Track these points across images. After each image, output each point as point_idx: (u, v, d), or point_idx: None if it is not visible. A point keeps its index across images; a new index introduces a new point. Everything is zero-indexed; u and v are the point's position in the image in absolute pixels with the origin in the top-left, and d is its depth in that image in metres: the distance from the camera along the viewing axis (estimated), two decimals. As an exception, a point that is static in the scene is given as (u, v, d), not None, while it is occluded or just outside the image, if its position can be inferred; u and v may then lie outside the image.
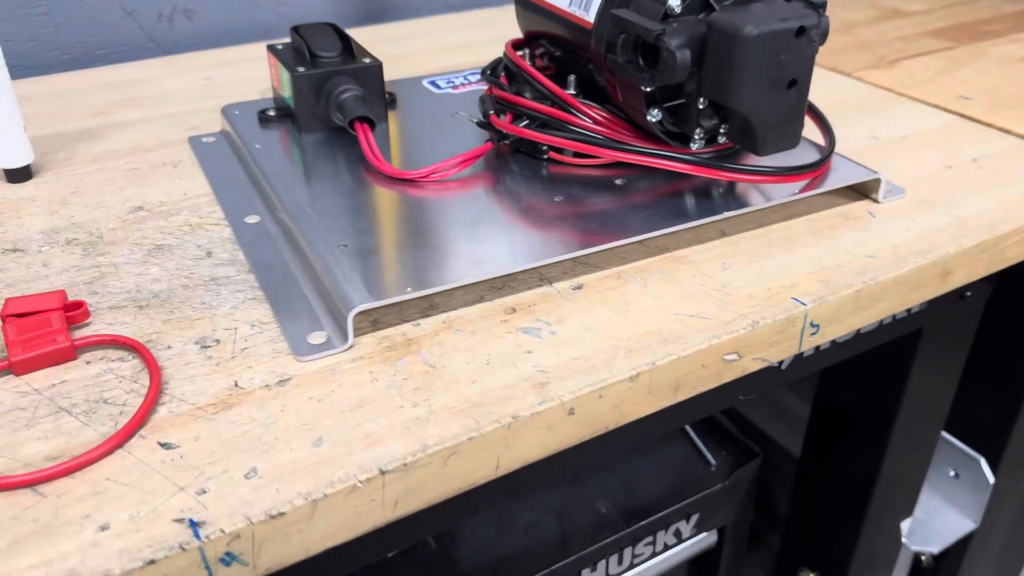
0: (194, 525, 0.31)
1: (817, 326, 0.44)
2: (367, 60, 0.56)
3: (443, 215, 0.47)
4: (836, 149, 0.57)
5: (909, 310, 0.55)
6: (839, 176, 0.51)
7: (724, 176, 0.47)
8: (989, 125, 0.65)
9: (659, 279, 0.45)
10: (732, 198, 0.49)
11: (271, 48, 0.58)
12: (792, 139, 0.46)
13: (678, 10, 0.44)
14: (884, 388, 0.63)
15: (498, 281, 0.44)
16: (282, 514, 0.31)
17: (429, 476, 0.34)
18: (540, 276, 0.45)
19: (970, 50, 0.81)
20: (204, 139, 0.59)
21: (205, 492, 0.32)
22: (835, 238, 0.48)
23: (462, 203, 0.49)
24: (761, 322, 0.41)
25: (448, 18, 0.92)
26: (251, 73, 0.73)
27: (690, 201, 0.49)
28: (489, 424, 0.35)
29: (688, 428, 0.74)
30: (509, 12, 0.92)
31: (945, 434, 0.79)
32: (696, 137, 0.47)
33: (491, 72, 0.55)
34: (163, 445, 0.34)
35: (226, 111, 0.60)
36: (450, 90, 0.63)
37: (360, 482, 0.33)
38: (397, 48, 0.81)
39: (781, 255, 0.47)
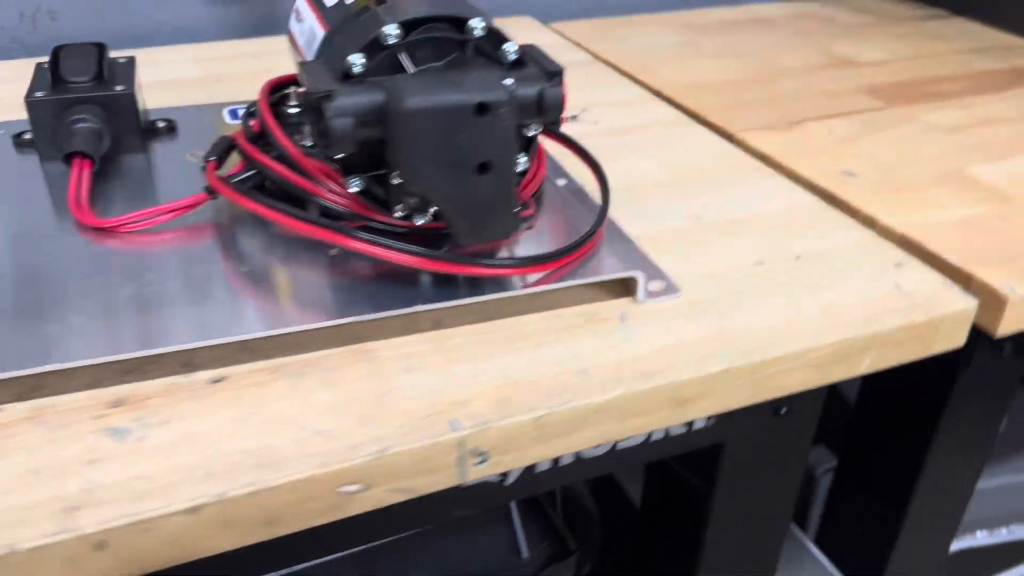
0: None
1: (485, 454, 0.37)
2: (119, 88, 0.51)
3: (114, 276, 0.42)
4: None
5: (690, 425, 0.47)
6: (590, 269, 0.43)
7: (429, 266, 0.40)
8: (854, 211, 0.56)
9: (320, 378, 0.38)
10: (459, 285, 0.42)
11: (39, 66, 0.54)
12: (499, 229, 0.39)
13: (358, 70, 0.37)
14: (692, 499, 0.55)
15: (132, 363, 0.38)
16: None
17: None
18: (185, 361, 0.39)
19: (899, 114, 0.72)
20: (-32, 157, 0.55)
21: None
22: (559, 345, 0.41)
23: (150, 263, 0.43)
24: (394, 449, 0.35)
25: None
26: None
27: (407, 284, 0.42)
28: (-30, 556, 0.29)
29: (513, 509, 0.67)
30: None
31: (817, 553, 0.70)
32: (398, 214, 0.41)
33: (249, 111, 0.50)
34: None
35: (-7, 129, 0.56)
36: (247, 123, 0.58)
37: None
38: (263, 64, 0.76)
39: (481, 360, 0.40)
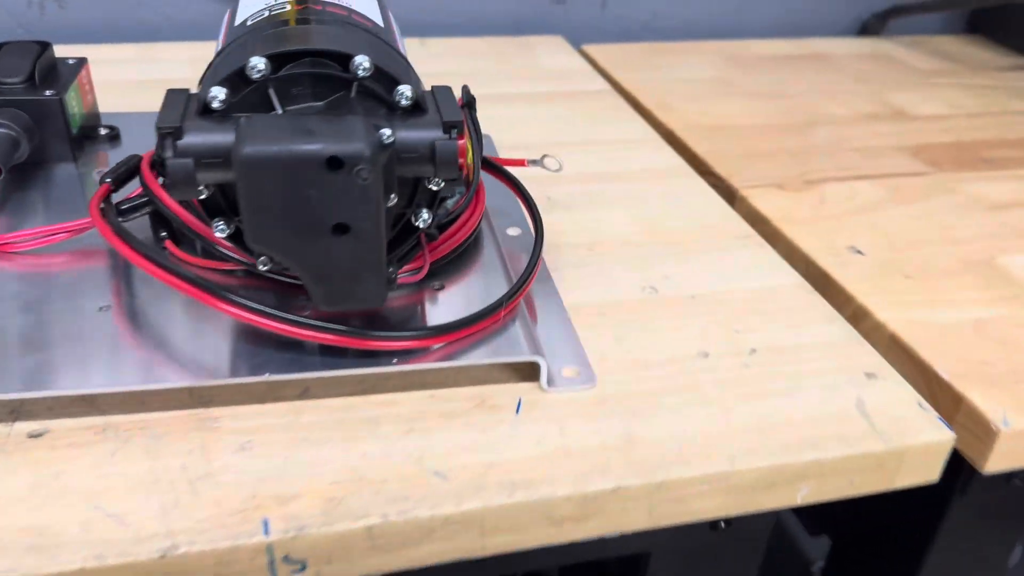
0: None
1: (302, 563, 0.32)
2: (48, 92, 0.48)
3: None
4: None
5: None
6: (495, 346, 0.38)
7: (287, 333, 0.36)
8: (846, 299, 0.48)
9: (144, 446, 0.34)
10: (346, 352, 0.37)
11: (-17, 62, 0.52)
12: (366, 296, 0.34)
13: (218, 105, 0.33)
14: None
15: (-43, 406, 0.35)
16: None
17: None
18: (13, 409, 0.35)
19: (940, 181, 0.63)
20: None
21: None
22: (431, 434, 0.35)
23: (8, 291, 0.40)
24: (182, 549, 0.30)
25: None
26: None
27: (289, 344, 0.37)
28: None
29: None
30: (431, 44, 0.82)
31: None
32: (262, 268, 0.36)
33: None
34: None
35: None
36: (193, 137, 0.54)
37: None
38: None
39: (334, 444, 0.35)
